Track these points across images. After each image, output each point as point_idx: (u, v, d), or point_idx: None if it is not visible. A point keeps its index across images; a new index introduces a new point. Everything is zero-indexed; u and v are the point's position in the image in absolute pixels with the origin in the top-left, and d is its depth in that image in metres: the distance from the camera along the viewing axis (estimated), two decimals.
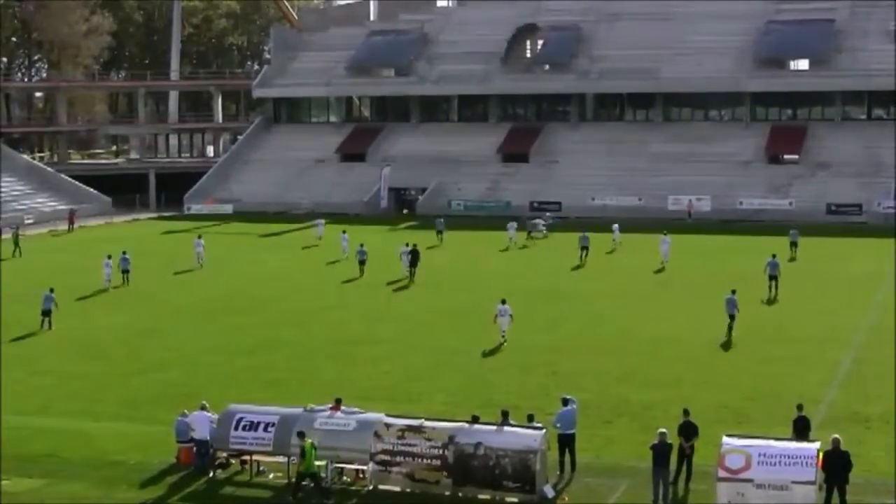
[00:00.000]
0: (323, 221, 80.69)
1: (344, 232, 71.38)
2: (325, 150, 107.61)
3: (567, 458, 27.53)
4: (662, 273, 61.62)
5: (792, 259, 62.88)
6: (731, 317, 44.17)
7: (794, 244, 67.41)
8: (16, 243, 72.92)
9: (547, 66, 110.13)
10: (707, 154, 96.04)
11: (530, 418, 27.46)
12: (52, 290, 47.89)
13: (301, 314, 50.02)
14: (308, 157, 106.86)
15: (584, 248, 65.99)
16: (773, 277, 53.04)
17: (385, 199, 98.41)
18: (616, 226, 72.97)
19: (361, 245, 62.84)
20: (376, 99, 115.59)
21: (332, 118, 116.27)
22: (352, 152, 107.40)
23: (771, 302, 51.63)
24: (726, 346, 42.57)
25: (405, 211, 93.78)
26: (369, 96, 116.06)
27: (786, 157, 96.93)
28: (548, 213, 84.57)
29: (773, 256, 54.74)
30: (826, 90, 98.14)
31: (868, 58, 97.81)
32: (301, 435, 26.37)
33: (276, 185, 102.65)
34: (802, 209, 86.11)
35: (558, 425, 27.63)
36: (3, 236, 75.15)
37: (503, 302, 43.41)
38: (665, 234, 66.00)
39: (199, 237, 68.62)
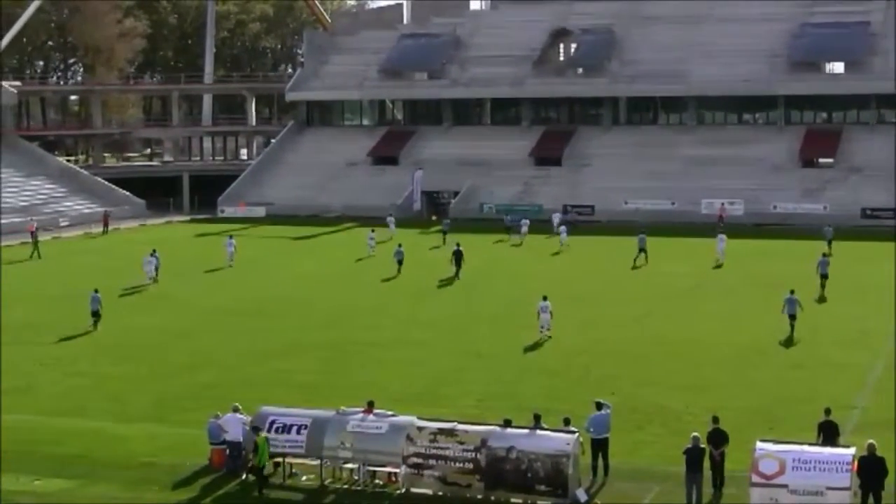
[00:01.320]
0: (393, 217, 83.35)
1: (372, 231, 73.66)
2: (357, 153, 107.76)
3: (600, 462, 27.51)
4: (720, 269, 63.22)
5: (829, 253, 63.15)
6: (792, 316, 44.48)
7: (829, 242, 67.79)
8: (35, 245, 73.30)
9: (579, 70, 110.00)
10: (740, 158, 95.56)
11: (567, 422, 27.33)
12: (97, 291, 48.25)
13: (333, 316, 50.16)
14: (340, 160, 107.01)
15: (642, 249, 66.33)
16: (824, 276, 54.25)
17: (418, 202, 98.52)
18: (563, 228, 74.85)
19: (399, 245, 64.69)
20: (409, 102, 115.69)
21: (365, 121, 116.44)
22: (384, 155, 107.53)
23: (821, 300, 52.06)
24: (787, 343, 43.08)
25: (433, 217, 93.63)
26: (402, 99, 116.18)
27: (820, 160, 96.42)
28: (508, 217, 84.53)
29: (824, 255, 56.37)
30: (861, 93, 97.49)
31: None
32: (256, 430, 27.14)
33: (308, 188, 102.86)
34: (837, 213, 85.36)
35: (591, 430, 27.60)
36: (39, 238, 75.30)
37: (544, 298, 44.52)
38: (721, 233, 67.94)
39: (231, 237, 70.13)
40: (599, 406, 28.26)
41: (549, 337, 43.92)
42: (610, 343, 43.57)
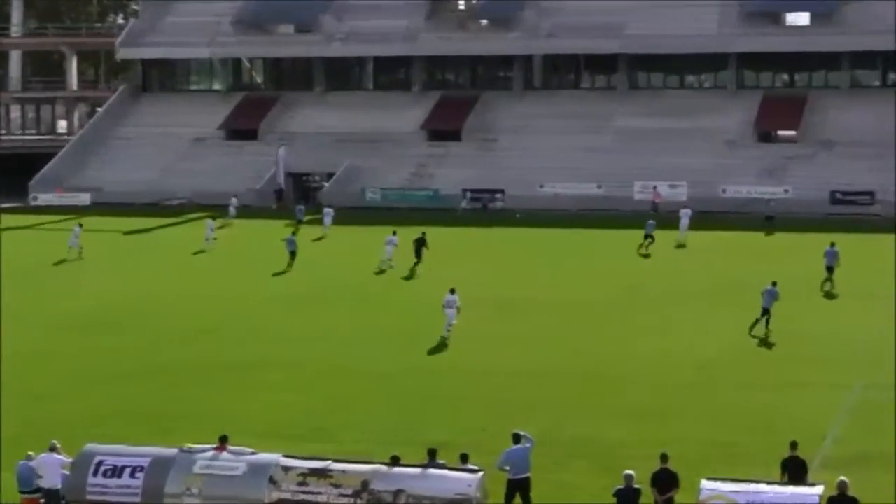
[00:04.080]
0: (237, 199, 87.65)
1: (213, 219, 76.55)
2: (206, 125, 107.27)
3: None
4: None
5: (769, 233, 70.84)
6: (766, 310, 46.76)
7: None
8: None
9: (485, 21, 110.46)
10: (683, 130, 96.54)
11: (464, 458, 27.41)
12: None
13: (186, 331, 49.92)
14: (186, 134, 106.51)
15: (648, 236, 69.29)
16: (829, 269, 58.13)
17: (283, 185, 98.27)
18: (329, 209, 79.42)
19: (293, 233, 68.29)
20: (271, 62, 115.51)
21: (216, 86, 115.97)
22: (240, 128, 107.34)
23: (830, 296, 55.18)
24: (766, 343, 44.91)
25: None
26: (262, 58, 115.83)
27: (780, 133, 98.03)
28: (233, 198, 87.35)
29: (832, 245, 58.87)
30: (830, 50, 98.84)
31: (882, 10, 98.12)
32: None
33: (145, 169, 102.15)
34: (801, 198, 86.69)
35: (507, 468, 27.68)
36: None
37: (452, 291, 46.63)
38: (685, 208, 74.35)
39: (80, 225, 71.84)
40: (518, 438, 28.24)
41: (448, 337, 45.67)
42: (526, 362, 43.73)
